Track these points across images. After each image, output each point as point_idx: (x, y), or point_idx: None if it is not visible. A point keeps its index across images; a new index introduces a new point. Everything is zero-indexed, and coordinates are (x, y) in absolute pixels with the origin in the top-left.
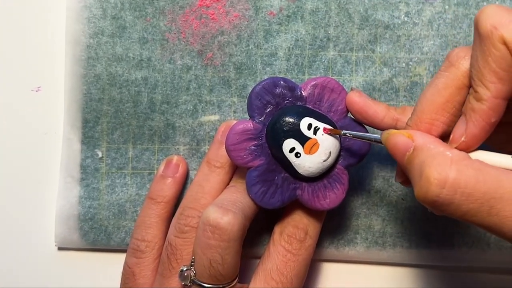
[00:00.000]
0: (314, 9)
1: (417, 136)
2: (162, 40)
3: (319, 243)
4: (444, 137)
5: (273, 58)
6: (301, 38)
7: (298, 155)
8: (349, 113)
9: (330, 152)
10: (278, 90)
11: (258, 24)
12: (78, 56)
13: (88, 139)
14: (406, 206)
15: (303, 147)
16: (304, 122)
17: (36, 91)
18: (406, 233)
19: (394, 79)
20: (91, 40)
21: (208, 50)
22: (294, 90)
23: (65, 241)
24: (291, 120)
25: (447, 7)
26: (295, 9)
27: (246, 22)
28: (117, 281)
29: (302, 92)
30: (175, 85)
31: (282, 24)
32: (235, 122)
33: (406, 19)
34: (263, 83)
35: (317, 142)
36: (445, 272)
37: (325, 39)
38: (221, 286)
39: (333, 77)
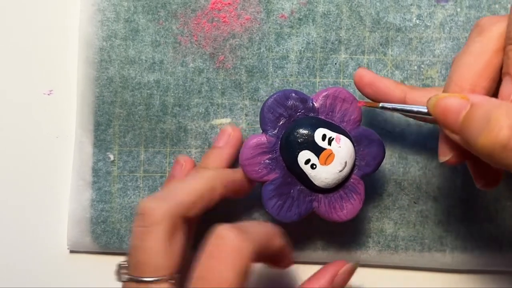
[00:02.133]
0: (326, 12)
1: (471, 95)
2: (175, 43)
3: (331, 247)
4: None
5: (285, 61)
6: (312, 41)
7: (314, 166)
8: (361, 122)
9: (346, 162)
10: (290, 103)
11: (269, 27)
12: (91, 59)
13: (100, 142)
14: (418, 209)
15: (318, 158)
16: (318, 133)
17: (48, 94)
18: (418, 236)
19: (406, 82)
20: (104, 43)
21: (220, 53)
22: (306, 102)
23: (77, 244)
24: (305, 131)
25: (459, 9)
26: (307, 12)
27: (257, 25)
28: None
29: (314, 103)
30: (187, 88)
31: (294, 27)
32: (230, 129)
33: (417, 21)
34: (275, 96)
35: (332, 153)
36: (458, 276)
37: (336, 42)
38: (146, 279)
39: (345, 79)
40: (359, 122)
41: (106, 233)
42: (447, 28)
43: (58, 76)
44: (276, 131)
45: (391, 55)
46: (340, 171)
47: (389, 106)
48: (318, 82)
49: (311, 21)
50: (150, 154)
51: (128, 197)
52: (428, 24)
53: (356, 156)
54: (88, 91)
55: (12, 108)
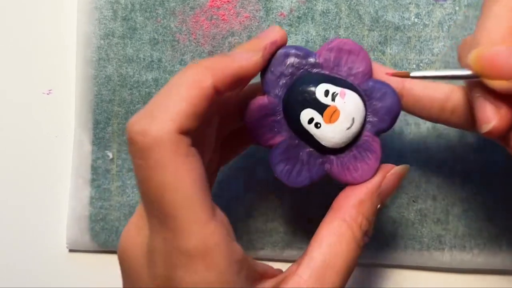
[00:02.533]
0: (325, 10)
1: None
2: (173, 41)
3: None
4: None
5: None
6: (311, 39)
7: (318, 125)
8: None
9: (353, 118)
10: (290, 60)
11: (268, 25)
12: (89, 58)
13: (99, 140)
14: (417, 208)
15: (322, 116)
16: (320, 89)
17: (47, 93)
18: (417, 235)
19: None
20: (102, 41)
21: (219, 51)
22: (308, 57)
23: (76, 243)
24: (306, 88)
25: (457, 8)
26: (306, 10)
27: (256, 23)
28: None
29: (317, 58)
30: None
31: (293, 25)
32: (279, 28)
33: (416, 20)
34: (275, 54)
35: (337, 109)
36: (456, 275)
37: None
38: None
39: None
40: (369, 75)
41: (104, 231)
42: (446, 26)
43: (57, 75)
44: (277, 91)
45: (390, 54)
46: (348, 128)
47: (419, 75)
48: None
49: (310, 19)
50: None
51: (127, 195)
52: (427, 22)
53: (367, 111)
54: (87, 89)
55: (11, 107)
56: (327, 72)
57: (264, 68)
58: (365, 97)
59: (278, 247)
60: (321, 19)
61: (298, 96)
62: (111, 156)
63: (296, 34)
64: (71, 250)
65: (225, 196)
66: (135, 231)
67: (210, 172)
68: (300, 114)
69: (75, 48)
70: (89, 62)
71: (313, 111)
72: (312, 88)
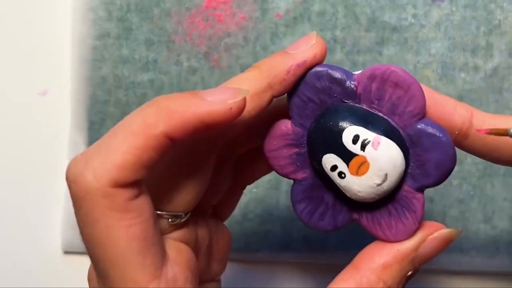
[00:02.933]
0: (321, 11)
1: None
2: (169, 42)
3: (327, 246)
4: None
5: None
6: None
7: (343, 175)
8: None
9: (386, 175)
10: (322, 84)
11: (265, 26)
12: (84, 58)
13: (94, 142)
14: None
15: (348, 166)
16: (349, 133)
17: (43, 94)
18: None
19: None
20: (97, 42)
21: (215, 52)
22: (343, 84)
23: (71, 245)
24: (332, 128)
25: (454, 9)
26: (302, 11)
27: (252, 24)
28: None
29: (355, 85)
30: (181, 87)
31: (289, 26)
32: (317, 36)
33: (413, 21)
34: (306, 75)
35: (366, 161)
36: (453, 277)
37: (332, 41)
38: None
39: None
40: (420, 115)
41: None
42: (443, 27)
43: (52, 76)
44: (304, 120)
45: (387, 55)
46: (379, 184)
47: None
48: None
49: (306, 20)
50: None
51: None
52: (424, 23)
53: (410, 161)
54: (82, 90)
55: (6, 108)
56: (364, 107)
57: (291, 91)
58: (410, 143)
59: (275, 249)
60: (317, 19)
61: (322, 136)
62: None
63: (292, 35)
64: (66, 252)
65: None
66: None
67: (231, 193)
68: (321, 158)
69: (70, 49)
70: (84, 63)
71: (337, 158)
72: (340, 129)
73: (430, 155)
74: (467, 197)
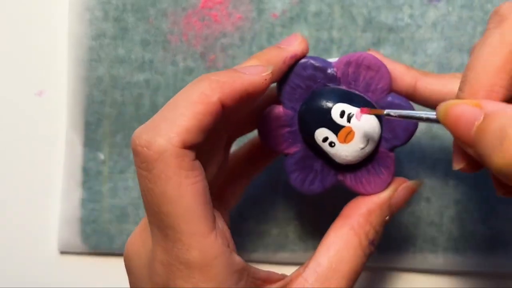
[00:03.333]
0: (317, 11)
1: (485, 103)
2: (164, 42)
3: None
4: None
5: None
6: None
7: (333, 144)
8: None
9: (368, 140)
10: (307, 72)
11: (261, 26)
12: (81, 58)
13: (91, 142)
14: (410, 210)
15: (337, 136)
16: (336, 109)
17: (39, 95)
18: (410, 237)
19: None
20: (93, 42)
21: (211, 52)
22: (325, 70)
23: (67, 245)
24: (322, 107)
25: (450, 9)
26: (299, 11)
27: (249, 24)
28: (119, 285)
29: (335, 71)
30: (177, 87)
31: (285, 26)
32: (302, 36)
33: (409, 21)
34: (294, 68)
35: (352, 130)
36: (450, 277)
37: (328, 41)
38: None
39: None
40: (388, 91)
41: (96, 233)
42: (439, 27)
43: (48, 76)
44: (293, 103)
45: (383, 55)
46: (362, 148)
47: (394, 114)
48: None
49: (303, 20)
50: None
51: (119, 197)
52: (420, 23)
53: (383, 128)
54: (78, 90)
55: (2, 108)
56: (344, 87)
57: (281, 78)
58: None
59: (270, 249)
60: (314, 20)
61: (313, 114)
62: (102, 158)
63: (289, 35)
64: (62, 252)
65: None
66: (139, 242)
67: (233, 182)
68: (314, 132)
69: (67, 49)
70: (80, 63)
71: (328, 131)
72: (328, 108)
73: (399, 121)
74: (463, 197)
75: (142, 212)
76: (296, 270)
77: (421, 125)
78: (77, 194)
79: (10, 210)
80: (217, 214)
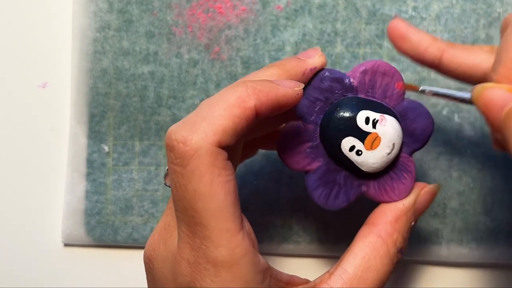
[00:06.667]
0: (322, 4)
1: None
2: (169, 34)
3: (327, 239)
4: None
5: (281, 53)
6: (308, 32)
7: (360, 152)
8: (405, 94)
9: (394, 144)
10: (325, 84)
11: (265, 18)
12: (85, 51)
13: (95, 134)
14: None
15: (363, 144)
16: (361, 116)
17: (43, 87)
18: (414, 229)
19: (402, 74)
20: (98, 34)
21: (215, 44)
22: (342, 81)
23: (71, 237)
24: (346, 116)
25: (454, 1)
26: (303, 3)
27: (253, 16)
28: (124, 278)
29: (352, 81)
30: (182, 79)
31: (290, 19)
32: (320, 52)
33: (413, 13)
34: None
35: (378, 136)
36: (453, 269)
37: (332, 33)
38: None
39: None
40: (403, 96)
41: (100, 225)
42: (443, 20)
43: (52, 69)
44: (313, 117)
45: (387, 47)
46: (389, 153)
47: (430, 90)
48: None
49: (307, 12)
50: (145, 146)
51: (123, 189)
52: (424, 16)
53: (403, 133)
54: (82, 82)
55: (6, 101)
56: (363, 96)
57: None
58: (400, 117)
59: (275, 241)
60: (318, 12)
61: (338, 124)
62: (106, 150)
63: (293, 28)
64: (66, 245)
65: None
66: (161, 241)
67: None
68: (341, 142)
69: (71, 41)
70: (84, 55)
71: (354, 139)
72: (353, 116)
73: (417, 124)
74: (467, 189)
75: (147, 204)
76: (321, 275)
77: None
78: (81, 186)
79: (14, 202)
80: (243, 215)
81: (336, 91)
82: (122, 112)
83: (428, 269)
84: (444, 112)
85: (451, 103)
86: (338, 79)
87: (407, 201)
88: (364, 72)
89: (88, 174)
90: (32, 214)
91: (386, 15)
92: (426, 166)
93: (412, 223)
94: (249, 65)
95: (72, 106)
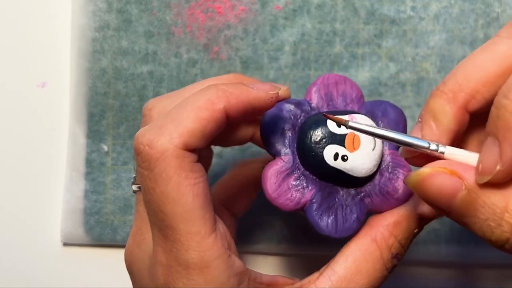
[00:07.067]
0: (320, 4)
1: (464, 173)
2: (168, 33)
3: (326, 238)
4: (476, 115)
5: (279, 53)
6: (307, 32)
7: (345, 158)
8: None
9: (374, 138)
10: (285, 114)
11: (264, 18)
12: (84, 50)
13: (94, 133)
14: None
15: (345, 147)
16: (331, 123)
17: (42, 86)
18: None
19: (400, 74)
20: (97, 33)
21: (214, 44)
22: (302, 105)
23: (70, 236)
24: (317, 129)
25: (452, 1)
26: (301, 3)
27: (252, 16)
28: (122, 277)
29: (310, 103)
30: (181, 79)
31: (288, 19)
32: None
33: (412, 13)
34: (267, 115)
35: (355, 135)
36: (452, 269)
37: (331, 33)
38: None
39: (339, 71)
40: (363, 97)
41: (99, 224)
42: (442, 20)
43: (51, 68)
44: (287, 148)
45: (386, 47)
46: (373, 148)
47: (356, 126)
48: (313, 74)
49: (306, 12)
50: None
51: (122, 189)
52: (423, 16)
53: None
54: (81, 82)
55: (5, 100)
56: (326, 110)
57: (264, 133)
58: (370, 118)
59: (273, 241)
60: (316, 12)
61: (313, 139)
62: (106, 149)
63: (292, 27)
64: (65, 244)
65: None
66: (135, 245)
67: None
68: (323, 156)
69: (70, 41)
70: (83, 55)
71: (335, 146)
72: (323, 125)
73: (387, 117)
74: None
75: None
76: (310, 276)
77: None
78: (80, 185)
79: (13, 201)
80: (217, 217)
81: (299, 116)
82: (121, 112)
83: (427, 269)
84: None
85: None
86: (297, 104)
87: (411, 205)
88: (317, 90)
89: (87, 174)
90: (31, 214)
91: (384, 15)
92: None
93: (416, 230)
94: (248, 64)
95: (71, 106)
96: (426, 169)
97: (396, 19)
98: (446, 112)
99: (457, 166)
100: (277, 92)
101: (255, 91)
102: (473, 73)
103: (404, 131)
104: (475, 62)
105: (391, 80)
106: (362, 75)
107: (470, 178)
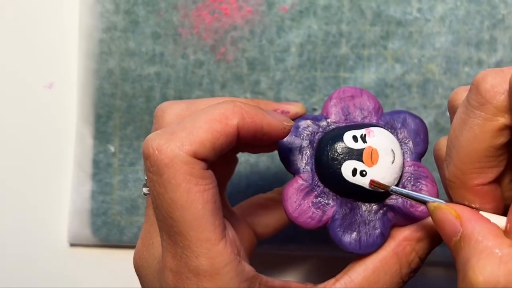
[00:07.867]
0: (327, 5)
1: (465, 220)
2: (175, 35)
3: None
4: (501, 178)
5: (286, 54)
6: (313, 34)
7: (364, 173)
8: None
9: (393, 150)
10: (304, 131)
11: (271, 20)
12: (91, 51)
13: (101, 134)
14: None
15: (363, 162)
16: (347, 138)
17: (49, 87)
18: None
19: (406, 76)
20: (104, 35)
21: (221, 45)
22: (319, 121)
23: (77, 237)
24: (334, 145)
25: (458, 3)
26: (308, 5)
27: (259, 17)
28: (129, 278)
29: (327, 118)
30: (187, 80)
31: (295, 20)
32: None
33: (418, 15)
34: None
35: (373, 148)
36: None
37: (337, 35)
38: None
39: (345, 73)
40: (381, 108)
41: (106, 225)
42: (447, 21)
43: (58, 69)
44: (306, 165)
45: (392, 49)
46: (392, 161)
47: (399, 191)
48: (319, 75)
49: (312, 13)
50: None
51: (129, 189)
52: (429, 17)
53: (400, 143)
54: (88, 83)
55: (13, 101)
56: (343, 125)
57: (282, 151)
58: (390, 130)
59: (279, 241)
60: (323, 13)
61: (330, 156)
62: (112, 150)
63: (298, 29)
64: (72, 245)
65: (227, 190)
66: (145, 248)
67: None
68: (341, 172)
69: (77, 42)
70: (91, 56)
71: (352, 161)
72: (341, 141)
73: (407, 128)
74: None
75: None
76: (325, 282)
77: (428, 118)
78: (87, 186)
79: (20, 202)
80: (227, 223)
81: (317, 132)
82: (128, 113)
83: (428, 269)
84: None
85: None
86: (314, 120)
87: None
88: (334, 104)
89: (94, 175)
90: (38, 214)
91: (391, 17)
92: (429, 167)
93: (436, 246)
94: (255, 66)
95: (78, 107)
96: (442, 204)
97: (402, 21)
98: (472, 200)
99: (467, 213)
100: (290, 126)
101: (270, 117)
102: (466, 156)
103: (425, 140)
104: (462, 145)
105: (397, 81)
106: (368, 77)
107: (470, 226)
